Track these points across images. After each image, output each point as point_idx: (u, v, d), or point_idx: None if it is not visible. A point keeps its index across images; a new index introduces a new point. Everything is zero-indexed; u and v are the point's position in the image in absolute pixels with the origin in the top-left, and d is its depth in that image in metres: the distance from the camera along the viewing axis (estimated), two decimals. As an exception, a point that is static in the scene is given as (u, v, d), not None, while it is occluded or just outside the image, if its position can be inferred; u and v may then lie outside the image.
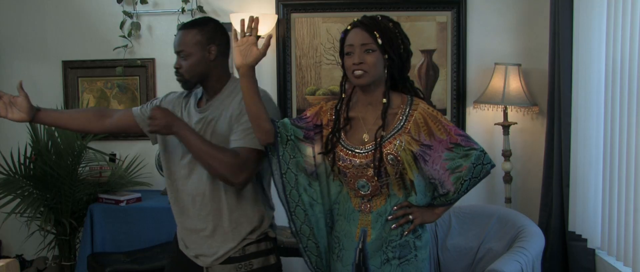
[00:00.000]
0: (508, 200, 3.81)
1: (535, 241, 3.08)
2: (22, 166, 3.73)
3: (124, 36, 4.08)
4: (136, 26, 4.05)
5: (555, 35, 3.40)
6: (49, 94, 4.18)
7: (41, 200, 3.73)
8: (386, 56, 2.06)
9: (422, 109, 2.08)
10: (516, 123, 3.82)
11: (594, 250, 3.23)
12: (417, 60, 3.95)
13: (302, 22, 4.00)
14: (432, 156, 2.05)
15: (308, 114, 2.19)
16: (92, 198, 3.84)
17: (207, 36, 2.23)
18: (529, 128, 3.93)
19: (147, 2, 4.04)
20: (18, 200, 3.72)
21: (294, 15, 4.00)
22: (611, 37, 2.97)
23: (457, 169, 2.06)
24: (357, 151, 2.08)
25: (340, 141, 2.11)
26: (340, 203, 2.19)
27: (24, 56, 4.24)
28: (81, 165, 3.84)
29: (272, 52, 4.04)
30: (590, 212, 3.18)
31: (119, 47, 4.08)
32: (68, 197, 3.72)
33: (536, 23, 3.84)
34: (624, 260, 2.88)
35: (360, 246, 2.12)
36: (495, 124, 3.86)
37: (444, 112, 3.97)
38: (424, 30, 3.94)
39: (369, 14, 2.15)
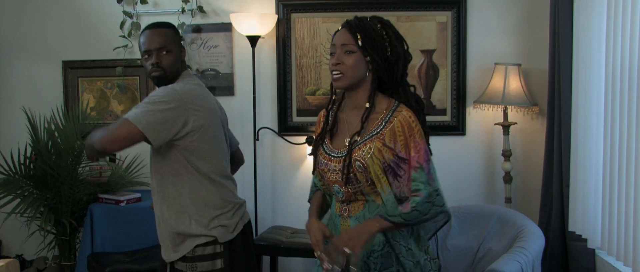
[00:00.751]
0: (508, 200, 3.81)
1: (535, 241, 3.08)
2: (22, 166, 3.73)
3: (124, 36, 4.08)
4: (136, 26, 4.05)
5: (556, 35, 3.40)
6: (49, 94, 4.18)
7: (41, 200, 3.73)
8: (368, 58, 1.98)
9: (403, 116, 1.97)
10: (516, 123, 3.82)
11: (594, 250, 3.23)
12: (417, 60, 3.95)
13: (302, 22, 4.00)
14: (406, 172, 1.96)
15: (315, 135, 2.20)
16: (92, 198, 3.84)
17: (178, 37, 2.46)
18: (529, 128, 3.93)
19: (147, 2, 4.04)
20: (18, 200, 3.72)
21: (294, 15, 4.00)
22: (611, 37, 2.97)
23: (416, 193, 1.97)
24: (333, 155, 2.04)
25: (323, 144, 2.09)
26: (331, 205, 2.19)
27: (24, 56, 4.24)
28: (81, 165, 3.84)
29: (272, 52, 4.05)
30: (590, 212, 3.18)
31: (119, 47, 4.08)
32: (68, 197, 3.72)
33: (536, 23, 3.84)
34: (624, 260, 2.88)
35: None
36: (495, 124, 3.86)
37: (444, 112, 3.97)
38: (424, 30, 3.94)
39: (361, 14, 2.09)
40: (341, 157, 2.01)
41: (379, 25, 2.02)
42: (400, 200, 1.97)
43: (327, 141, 2.09)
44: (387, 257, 2.02)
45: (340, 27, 2.04)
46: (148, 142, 2.23)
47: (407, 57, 2.05)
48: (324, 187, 2.16)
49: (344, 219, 2.06)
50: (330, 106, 2.13)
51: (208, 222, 2.36)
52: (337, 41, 2.01)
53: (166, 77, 2.39)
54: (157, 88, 2.41)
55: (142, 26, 4.08)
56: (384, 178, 1.96)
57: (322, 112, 2.18)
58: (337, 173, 2.01)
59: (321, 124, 2.15)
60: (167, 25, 2.46)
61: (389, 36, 2.00)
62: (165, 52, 2.37)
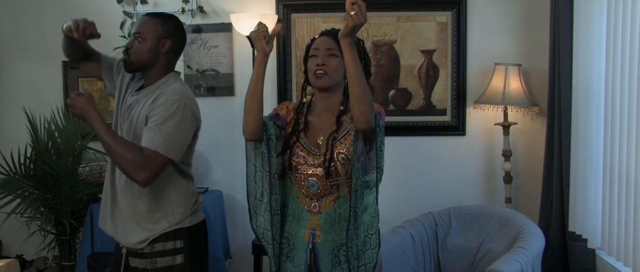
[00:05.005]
0: (508, 200, 3.81)
1: (535, 241, 3.08)
2: (22, 166, 3.72)
3: (124, 36, 4.07)
4: (136, 26, 4.05)
5: (556, 36, 3.40)
6: (49, 94, 4.18)
7: (41, 200, 3.73)
8: None
9: None
10: (516, 123, 3.82)
11: (594, 250, 3.23)
12: (417, 60, 3.96)
13: (302, 22, 4.00)
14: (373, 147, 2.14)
15: (281, 113, 2.24)
16: (92, 198, 3.84)
17: (166, 30, 2.35)
18: (529, 128, 3.93)
19: (147, 2, 4.04)
20: (18, 200, 3.72)
21: (294, 16, 4.00)
22: (611, 37, 2.98)
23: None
24: (312, 151, 2.16)
25: (299, 139, 2.19)
26: (289, 204, 2.23)
27: (24, 56, 4.24)
28: (81, 165, 3.84)
29: (272, 52, 4.03)
30: (591, 212, 3.18)
31: (119, 47, 4.07)
32: (68, 197, 3.72)
33: (536, 23, 3.84)
34: (624, 260, 2.88)
35: (310, 246, 2.17)
36: (495, 124, 3.86)
37: (444, 112, 3.97)
38: (424, 30, 3.94)
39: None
40: (321, 154, 2.14)
41: (355, 39, 2.13)
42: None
43: (302, 136, 2.20)
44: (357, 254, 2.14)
45: (316, 36, 2.20)
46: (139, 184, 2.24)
47: (370, 74, 2.23)
48: (293, 181, 2.20)
49: (313, 214, 2.17)
50: (300, 108, 2.25)
51: (181, 214, 2.37)
52: (321, 45, 2.15)
53: (132, 64, 2.34)
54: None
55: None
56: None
57: (291, 106, 2.27)
58: (315, 167, 2.13)
59: (290, 114, 2.24)
60: (162, 16, 2.39)
61: (363, 50, 2.19)
62: (139, 39, 2.32)
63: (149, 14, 2.40)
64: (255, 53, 2.14)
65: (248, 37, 2.04)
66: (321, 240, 2.16)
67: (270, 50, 2.13)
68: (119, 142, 2.17)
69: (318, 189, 2.15)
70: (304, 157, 2.16)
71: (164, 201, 2.34)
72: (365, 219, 2.15)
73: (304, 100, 2.26)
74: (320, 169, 2.12)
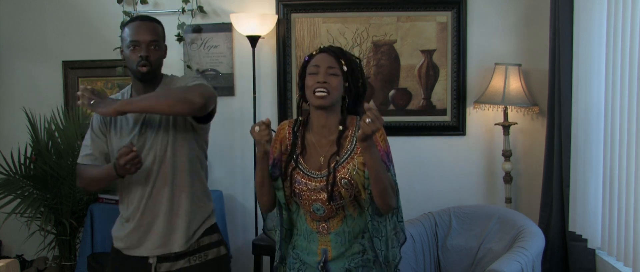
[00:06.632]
0: (508, 200, 3.81)
1: (535, 241, 3.08)
2: (22, 166, 3.72)
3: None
4: (136, 26, 4.04)
5: (556, 35, 3.40)
6: (49, 94, 4.18)
7: (41, 200, 3.73)
8: (347, 84, 2.11)
9: None
10: (516, 123, 3.82)
11: (594, 250, 3.23)
12: (417, 60, 3.96)
13: (302, 23, 4.00)
14: None
15: (272, 153, 2.19)
16: (92, 198, 3.84)
17: (165, 36, 2.39)
18: (529, 128, 3.93)
19: (147, 2, 4.04)
20: (18, 200, 3.72)
21: (294, 16, 3.99)
22: (611, 37, 2.98)
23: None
24: (313, 175, 2.12)
25: (298, 165, 2.14)
26: (298, 224, 2.22)
27: (24, 56, 4.24)
28: (81, 165, 3.84)
29: (272, 52, 4.05)
30: (591, 212, 3.18)
31: (119, 47, 4.07)
32: (68, 197, 3.72)
33: (536, 23, 3.84)
34: (624, 260, 2.88)
35: (321, 264, 2.16)
36: (495, 124, 3.86)
37: (444, 112, 3.97)
38: (424, 30, 3.94)
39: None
40: (322, 177, 2.10)
41: (353, 57, 2.17)
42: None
43: (301, 161, 2.15)
44: (366, 265, 2.15)
45: (315, 52, 2.15)
46: (201, 113, 2.24)
47: (366, 90, 2.21)
48: (290, 209, 2.21)
49: (323, 235, 2.16)
50: (296, 127, 2.20)
51: (211, 208, 2.45)
52: (322, 63, 2.10)
53: (152, 73, 2.30)
54: (136, 82, 2.34)
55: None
56: (368, 185, 2.08)
57: (283, 132, 2.22)
58: (318, 192, 2.10)
59: (285, 141, 2.20)
60: (158, 21, 2.37)
61: (361, 68, 2.17)
62: (155, 47, 2.28)
63: (148, 19, 2.35)
64: (257, 151, 2.10)
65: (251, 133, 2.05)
66: (333, 256, 2.15)
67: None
68: (154, 96, 2.20)
69: (324, 213, 2.12)
70: (305, 183, 2.11)
71: (196, 196, 2.38)
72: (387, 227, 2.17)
73: (300, 118, 2.20)
74: (324, 193, 2.09)
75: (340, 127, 2.13)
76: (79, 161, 2.40)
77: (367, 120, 1.85)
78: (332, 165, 2.09)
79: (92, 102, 2.17)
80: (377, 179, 1.99)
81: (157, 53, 2.30)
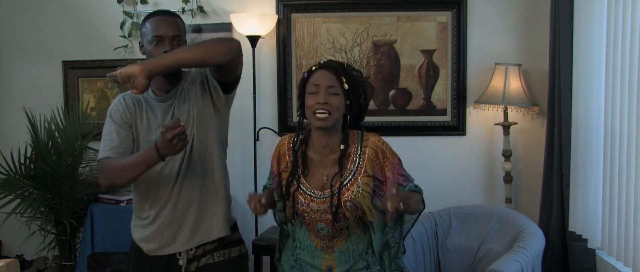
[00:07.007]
0: (508, 200, 3.81)
1: (535, 241, 3.08)
2: (23, 166, 3.73)
3: (124, 36, 4.08)
4: (136, 26, 4.04)
5: (556, 36, 3.40)
6: (49, 94, 4.18)
7: (41, 200, 3.73)
8: (348, 102, 2.04)
9: (373, 143, 2.08)
10: (516, 123, 3.82)
11: (594, 250, 3.23)
12: (417, 61, 3.95)
13: (302, 22, 4.00)
14: (385, 192, 2.06)
15: (273, 167, 2.18)
16: (92, 198, 3.84)
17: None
18: (529, 128, 3.93)
19: (147, 2, 4.04)
20: (18, 200, 3.72)
21: (294, 16, 3.99)
22: (611, 37, 2.97)
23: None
24: (315, 196, 2.07)
25: (300, 185, 2.09)
26: (303, 238, 2.18)
27: (24, 56, 4.24)
28: (81, 165, 3.84)
29: (272, 52, 4.04)
30: (591, 213, 3.18)
31: (119, 47, 4.08)
32: (68, 197, 3.72)
33: (536, 23, 3.84)
34: (624, 260, 2.88)
35: None
36: (495, 124, 3.86)
37: (444, 112, 3.97)
38: (424, 30, 3.94)
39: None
40: (325, 198, 2.05)
41: (354, 72, 2.09)
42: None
43: (302, 180, 2.10)
44: None
45: (314, 68, 2.07)
46: (237, 59, 2.17)
47: (368, 105, 2.17)
48: (293, 224, 2.19)
49: (328, 253, 2.13)
50: (298, 146, 2.13)
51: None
52: (322, 82, 2.02)
53: (176, 70, 2.23)
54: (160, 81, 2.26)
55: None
56: (374, 208, 2.06)
57: (284, 147, 2.17)
58: (322, 213, 2.06)
59: (285, 158, 2.15)
60: (179, 16, 2.29)
61: (363, 83, 2.10)
62: (177, 42, 2.19)
63: (170, 14, 2.26)
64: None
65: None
66: (338, 271, 2.13)
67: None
68: (183, 49, 2.12)
69: (328, 232, 2.09)
70: (308, 204, 2.07)
71: (227, 183, 2.35)
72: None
73: (301, 136, 2.14)
74: (328, 214, 2.04)
75: (342, 146, 2.06)
76: (102, 155, 2.20)
77: (389, 205, 1.82)
78: (336, 185, 2.04)
79: (117, 84, 2.07)
80: (417, 210, 2.03)
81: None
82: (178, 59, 2.06)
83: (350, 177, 2.05)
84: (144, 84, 2.00)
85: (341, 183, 2.04)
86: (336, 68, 2.04)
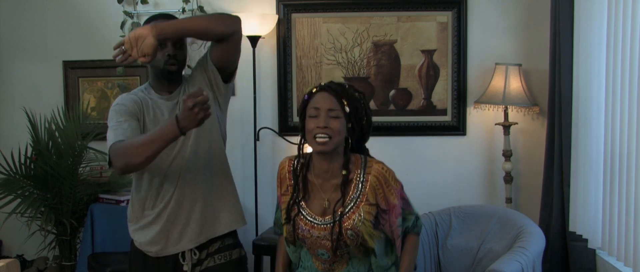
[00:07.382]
0: (508, 200, 3.81)
1: (535, 241, 3.08)
2: (23, 166, 3.73)
3: (124, 36, 4.07)
4: (137, 26, 4.04)
5: (556, 35, 3.40)
6: (49, 94, 4.18)
7: (42, 200, 3.73)
8: (349, 125, 2.00)
9: (376, 170, 2.05)
10: (517, 123, 3.82)
11: (594, 250, 3.23)
12: (417, 60, 3.95)
13: (302, 22, 4.00)
14: (388, 220, 2.05)
15: (278, 191, 2.17)
16: (92, 198, 3.84)
17: None
18: (529, 128, 3.93)
19: (147, 2, 4.04)
20: (18, 200, 3.72)
21: (294, 16, 3.99)
22: (611, 37, 2.97)
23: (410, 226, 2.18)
24: (316, 222, 2.04)
25: (301, 210, 2.07)
26: (304, 259, 2.18)
27: (24, 56, 4.24)
28: (82, 165, 3.84)
29: (272, 52, 4.04)
30: (591, 212, 3.18)
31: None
32: (68, 197, 3.72)
33: (537, 23, 3.84)
34: (624, 260, 2.88)
35: None
36: (495, 124, 3.86)
37: (444, 112, 3.97)
38: (424, 30, 3.94)
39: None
40: (326, 225, 2.03)
41: (356, 93, 2.05)
42: (391, 240, 2.09)
43: (303, 205, 2.07)
44: None
45: (314, 90, 2.03)
46: (239, 32, 2.24)
47: (371, 126, 2.11)
48: (295, 246, 2.17)
49: None
50: (299, 171, 2.10)
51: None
52: (322, 105, 1.98)
53: (179, 73, 2.28)
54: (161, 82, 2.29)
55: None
56: (375, 234, 2.04)
57: (284, 170, 2.15)
58: (322, 239, 2.03)
59: (285, 181, 2.14)
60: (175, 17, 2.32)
61: (365, 105, 2.05)
62: (180, 45, 2.24)
63: (168, 16, 2.28)
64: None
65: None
66: None
67: None
68: (191, 18, 2.26)
69: (328, 257, 2.08)
70: (308, 230, 2.05)
71: (229, 180, 2.38)
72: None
73: (302, 160, 2.10)
74: (328, 241, 2.02)
75: (344, 172, 2.02)
76: (113, 140, 2.11)
77: None
78: (338, 212, 2.01)
79: (127, 57, 2.04)
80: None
81: (182, 53, 2.26)
82: (185, 26, 2.12)
83: (352, 204, 2.02)
84: (152, 45, 1.98)
85: (342, 212, 2.02)
86: (337, 90, 2.00)
